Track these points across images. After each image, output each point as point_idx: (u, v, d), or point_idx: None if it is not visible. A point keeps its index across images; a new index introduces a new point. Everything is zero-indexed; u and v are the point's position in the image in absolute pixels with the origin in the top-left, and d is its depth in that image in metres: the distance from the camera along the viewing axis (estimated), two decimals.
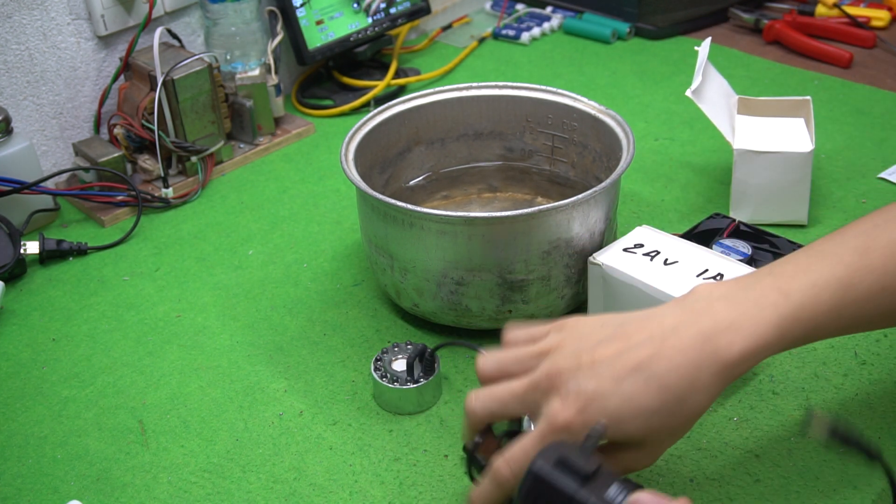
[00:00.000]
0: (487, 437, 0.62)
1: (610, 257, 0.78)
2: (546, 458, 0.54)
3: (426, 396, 0.76)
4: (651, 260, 0.78)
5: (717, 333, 0.57)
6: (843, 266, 0.61)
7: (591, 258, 0.78)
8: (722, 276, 0.76)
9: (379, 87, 1.22)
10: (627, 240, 0.80)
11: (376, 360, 0.78)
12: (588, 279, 0.79)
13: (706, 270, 0.77)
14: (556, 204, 0.76)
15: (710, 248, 0.86)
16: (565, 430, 0.57)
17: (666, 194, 1.01)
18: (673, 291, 0.74)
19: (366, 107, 1.22)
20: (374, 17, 1.25)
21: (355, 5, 1.24)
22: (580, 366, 0.58)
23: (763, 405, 0.75)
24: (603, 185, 0.78)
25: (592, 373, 0.57)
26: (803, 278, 0.60)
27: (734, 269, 0.77)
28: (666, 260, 0.78)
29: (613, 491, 0.53)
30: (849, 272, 0.61)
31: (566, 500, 0.53)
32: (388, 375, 0.76)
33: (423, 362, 0.77)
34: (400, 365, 0.77)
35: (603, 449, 0.59)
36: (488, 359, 0.63)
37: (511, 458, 0.58)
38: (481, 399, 0.61)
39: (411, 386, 0.75)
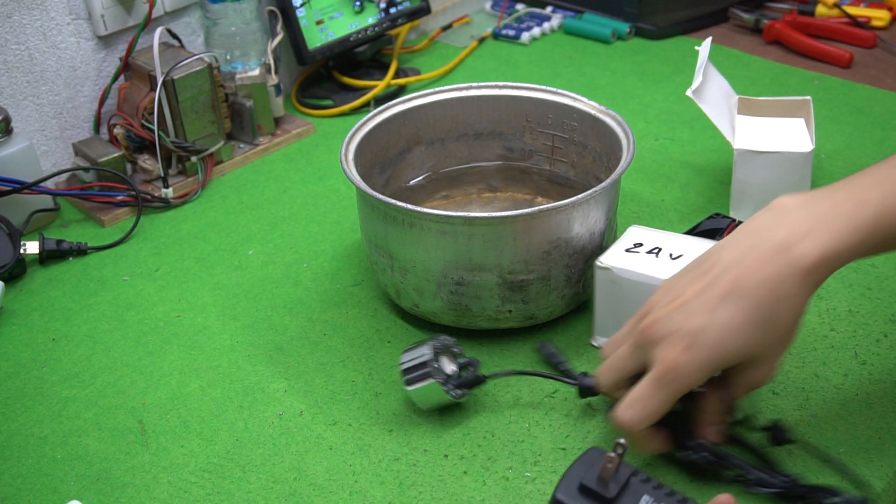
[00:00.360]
0: None
1: (616, 260, 0.78)
2: (568, 485, 0.55)
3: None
4: (657, 256, 0.78)
5: (793, 243, 0.60)
6: None
7: (597, 263, 0.78)
8: None
9: (379, 87, 1.22)
10: (625, 241, 0.80)
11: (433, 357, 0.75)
12: (595, 284, 0.79)
13: None
14: (556, 204, 0.76)
15: None
16: (675, 371, 0.61)
17: (666, 194, 1.01)
18: None
19: (366, 107, 1.22)
20: (381, 6, 1.25)
21: (357, 4, 1.24)
22: (673, 311, 0.62)
23: (763, 405, 0.74)
24: (603, 185, 0.78)
25: (686, 313, 0.61)
26: (879, 189, 0.61)
27: None
28: (671, 254, 0.78)
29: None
30: None
31: None
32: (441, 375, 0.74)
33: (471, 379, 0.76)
34: (449, 367, 0.75)
35: (721, 377, 0.63)
36: (606, 342, 0.69)
37: (630, 403, 0.63)
38: (602, 372, 0.67)
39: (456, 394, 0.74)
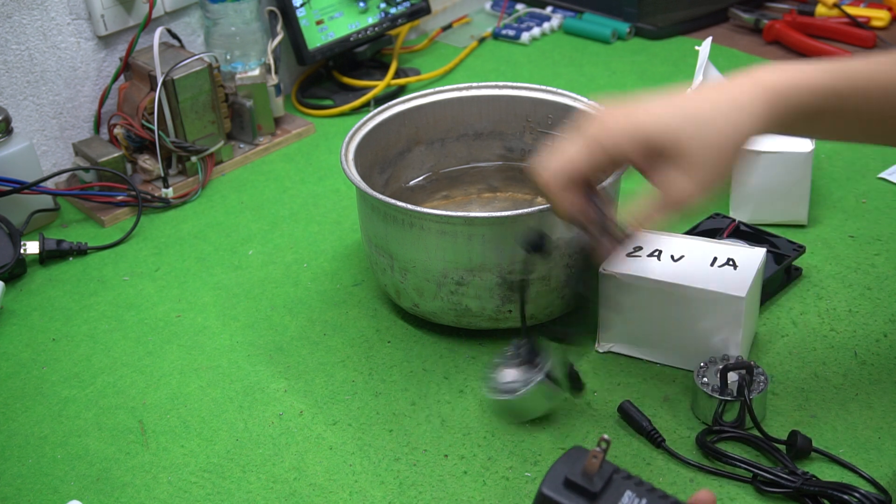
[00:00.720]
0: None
1: (620, 265, 0.78)
2: (553, 480, 0.55)
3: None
4: (659, 259, 0.78)
5: (761, 74, 0.62)
6: (887, 55, 0.64)
7: (601, 270, 0.78)
8: (733, 260, 0.77)
9: (379, 87, 1.22)
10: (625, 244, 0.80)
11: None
12: (599, 291, 0.79)
13: (716, 258, 0.77)
14: None
15: None
16: (602, 126, 0.62)
17: None
18: (697, 284, 0.74)
19: (366, 107, 1.22)
20: (382, 5, 1.25)
21: (362, 4, 1.24)
22: (615, 107, 0.63)
23: (764, 405, 0.74)
24: (603, 185, 0.78)
25: (637, 102, 0.62)
26: (842, 60, 0.64)
27: (741, 252, 0.78)
28: (672, 256, 0.78)
29: (626, 500, 0.53)
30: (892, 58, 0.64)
31: None
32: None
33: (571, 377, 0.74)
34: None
35: (648, 178, 0.63)
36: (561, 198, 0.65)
37: (554, 154, 0.63)
38: (548, 166, 0.64)
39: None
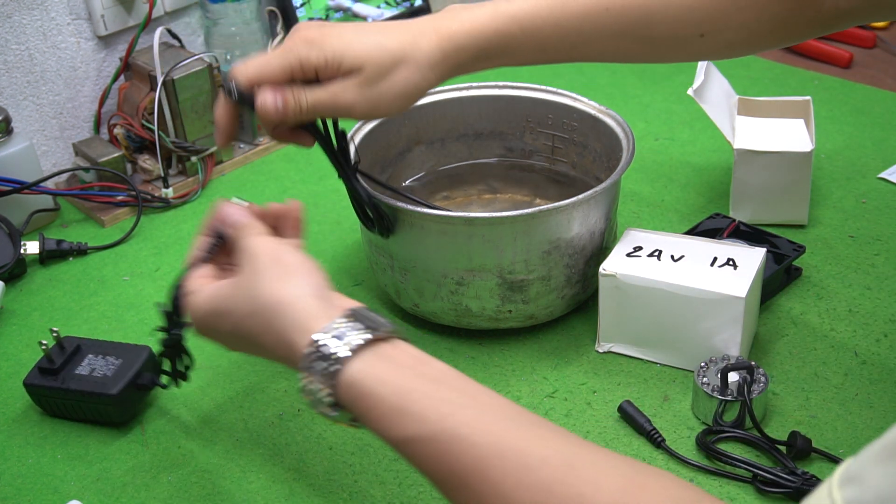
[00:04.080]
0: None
1: (620, 265, 0.78)
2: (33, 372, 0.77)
3: None
4: (659, 259, 0.78)
5: (440, 18, 0.70)
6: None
7: (601, 270, 0.78)
8: (733, 260, 0.77)
9: None
10: (625, 245, 0.80)
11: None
12: (599, 291, 0.79)
13: (716, 259, 0.77)
14: (556, 204, 0.76)
15: None
16: (300, 38, 0.67)
17: (666, 194, 1.01)
18: (696, 284, 0.74)
19: None
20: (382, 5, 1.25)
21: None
22: (324, 24, 0.69)
23: (764, 405, 0.74)
24: (603, 185, 0.78)
25: (333, 24, 0.69)
26: (527, 4, 0.71)
27: (741, 252, 0.78)
28: (672, 256, 0.78)
29: (86, 362, 0.78)
30: None
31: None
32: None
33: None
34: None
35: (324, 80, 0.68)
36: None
37: (247, 65, 0.68)
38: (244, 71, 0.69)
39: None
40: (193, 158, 1.06)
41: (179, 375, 0.73)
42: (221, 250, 0.65)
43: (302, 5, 1.19)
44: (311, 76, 0.68)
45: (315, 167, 1.11)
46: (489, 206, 0.95)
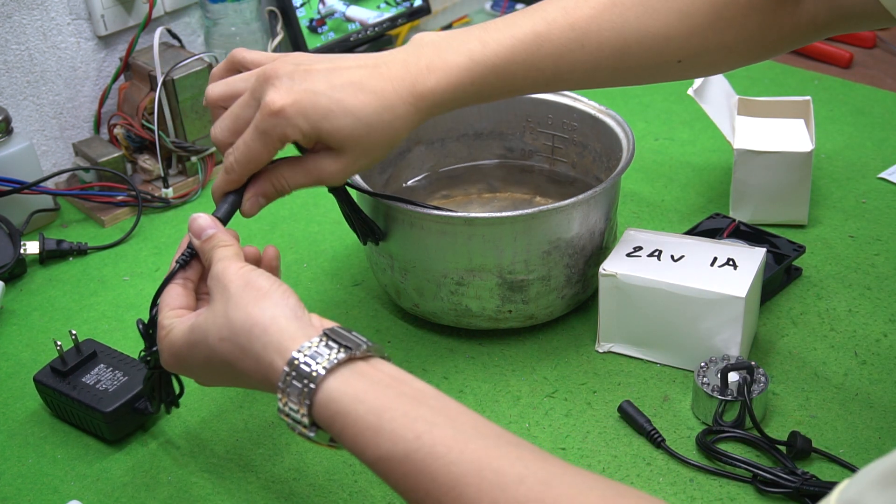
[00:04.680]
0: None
1: (620, 266, 0.78)
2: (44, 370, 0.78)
3: None
4: (659, 259, 0.78)
5: (417, 71, 0.66)
6: (545, 22, 0.68)
7: (601, 270, 0.78)
8: (733, 260, 0.77)
9: None
10: (625, 245, 0.80)
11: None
12: (599, 291, 0.79)
13: (716, 259, 0.77)
14: (556, 204, 0.76)
15: None
16: (279, 115, 0.64)
17: (666, 194, 1.01)
18: (696, 285, 0.74)
19: None
20: (382, 5, 1.25)
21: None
22: (297, 71, 0.65)
23: (764, 405, 0.74)
24: (603, 185, 0.78)
25: (308, 76, 0.65)
26: (506, 31, 0.68)
27: (741, 253, 0.78)
28: (672, 256, 0.78)
29: (97, 370, 0.78)
30: (548, 27, 0.68)
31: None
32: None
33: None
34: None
35: (305, 155, 0.68)
36: (217, 84, 0.69)
37: (236, 148, 0.66)
38: (218, 122, 0.68)
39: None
40: (193, 158, 1.06)
41: (169, 401, 0.71)
42: (195, 263, 0.65)
43: (302, 5, 1.19)
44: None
45: None
46: (489, 205, 0.95)
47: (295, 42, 1.19)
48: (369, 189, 0.80)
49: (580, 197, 0.77)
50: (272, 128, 0.64)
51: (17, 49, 1.02)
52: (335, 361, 0.53)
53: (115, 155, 1.03)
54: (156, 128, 1.02)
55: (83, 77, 1.09)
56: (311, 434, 0.54)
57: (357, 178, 0.81)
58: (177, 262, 0.65)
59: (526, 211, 0.76)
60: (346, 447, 0.53)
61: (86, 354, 0.78)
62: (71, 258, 0.98)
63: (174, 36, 1.10)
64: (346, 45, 1.23)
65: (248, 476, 0.72)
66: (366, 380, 0.53)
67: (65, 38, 1.06)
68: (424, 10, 1.31)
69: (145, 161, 1.05)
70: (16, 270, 0.94)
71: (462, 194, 0.96)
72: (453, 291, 0.80)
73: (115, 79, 1.08)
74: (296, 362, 0.54)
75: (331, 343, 0.54)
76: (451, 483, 0.48)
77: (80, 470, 0.74)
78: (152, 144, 1.04)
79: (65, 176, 1.07)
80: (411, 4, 1.29)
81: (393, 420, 0.51)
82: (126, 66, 1.07)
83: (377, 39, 1.26)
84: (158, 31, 1.04)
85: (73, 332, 0.78)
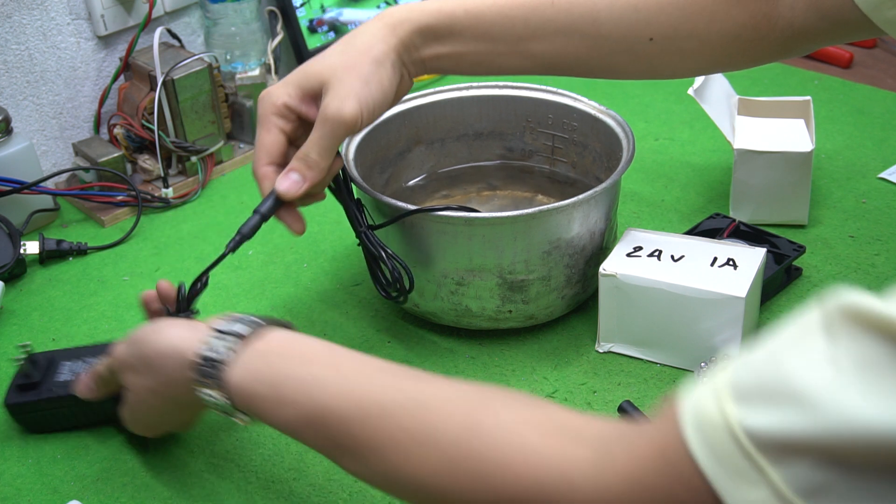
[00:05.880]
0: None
1: (620, 265, 0.78)
2: (10, 392, 0.76)
3: None
4: (659, 259, 0.78)
5: (386, 13, 0.73)
6: None
7: (601, 270, 0.78)
8: (733, 260, 0.77)
9: None
10: (625, 245, 0.80)
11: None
12: (599, 291, 0.79)
13: (716, 259, 0.77)
14: (556, 204, 0.76)
15: None
16: (264, 97, 0.72)
17: (666, 194, 1.01)
18: (696, 284, 0.74)
19: None
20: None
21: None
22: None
23: None
24: (603, 185, 0.78)
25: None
26: None
27: (741, 253, 0.78)
28: (672, 256, 0.78)
29: (65, 369, 0.77)
30: None
31: None
32: None
33: None
34: None
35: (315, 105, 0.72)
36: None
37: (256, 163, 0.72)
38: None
39: None
40: (193, 158, 1.06)
41: None
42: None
43: (302, 5, 1.19)
44: (295, 121, 0.72)
45: None
46: (489, 204, 0.95)
47: (295, 42, 1.19)
48: (372, 191, 0.80)
49: (580, 197, 0.77)
50: (263, 109, 0.71)
51: (17, 49, 1.02)
52: (230, 351, 0.59)
53: (115, 155, 1.03)
54: (156, 128, 1.02)
55: (83, 77, 1.09)
56: (246, 418, 0.60)
57: (357, 178, 0.81)
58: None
59: (526, 211, 0.76)
60: (266, 423, 0.58)
61: (44, 363, 0.77)
62: (71, 258, 0.98)
63: (174, 36, 1.10)
64: None
65: (248, 476, 0.72)
66: (260, 358, 0.58)
67: (65, 38, 1.06)
68: None
69: (145, 161, 1.05)
70: (16, 270, 0.94)
71: (461, 193, 0.96)
72: (453, 291, 0.80)
73: (115, 79, 1.08)
74: (197, 365, 0.60)
75: (222, 336, 0.60)
76: (348, 431, 0.53)
77: (80, 470, 0.74)
78: (152, 144, 1.04)
79: (65, 176, 1.07)
80: None
81: (290, 389, 0.56)
82: (126, 66, 1.08)
83: None
84: (158, 31, 1.04)
85: (27, 344, 0.78)
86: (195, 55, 1.04)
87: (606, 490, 0.43)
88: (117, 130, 1.05)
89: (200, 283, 0.74)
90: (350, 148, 0.86)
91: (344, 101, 0.68)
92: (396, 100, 0.75)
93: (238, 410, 0.59)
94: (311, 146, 0.70)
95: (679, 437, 0.40)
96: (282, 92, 0.70)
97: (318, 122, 0.70)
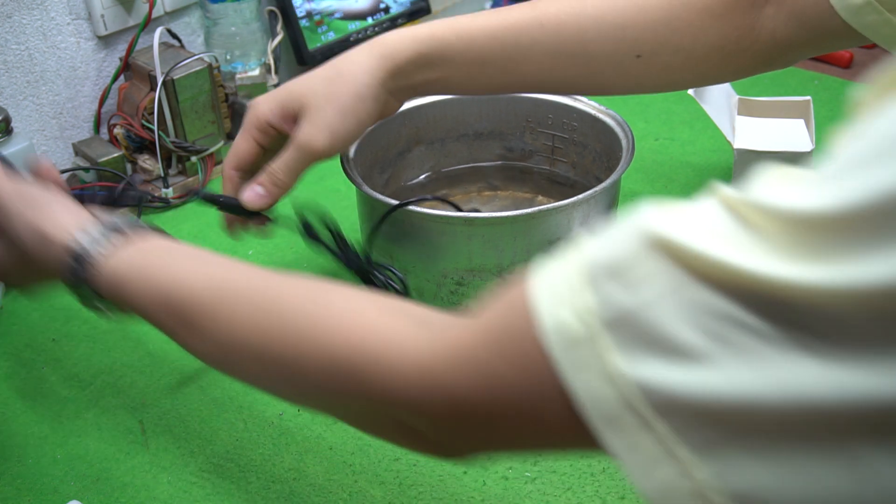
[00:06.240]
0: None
1: None
2: None
3: None
4: None
5: (374, 41, 0.74)
6: (506, 1, 0.75)
7: None
8: None
9: None
10: None
11: None
12: None
13: None
14: (556, 204, 0.76)
15: None
16: (250, 108, 0.75)
17: (666, 194, 1.01)
18: None
19: None
20: (381, 5, 1.25)
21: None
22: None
23: None
24: (603, 185, 0.78)
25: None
26: (464, 19, 0.75)
27: None
28: None
29: None
30: (508, 5, 0.75)
31: None
32: None
33: None
34: None
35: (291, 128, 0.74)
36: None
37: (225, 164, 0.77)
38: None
39: None
40: (193, 158, 1.06)
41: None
42: None
43: (302, 5, 1.19)
44: (274, 135, 0.75)
45: (315, 167, 1.11)
46: (489, 204, 0.95)
47: (295, 42, 1.19)
48: (371, 191, 0.80)
49: (580, 197, 0.77)
50: (247, 119, 0.74)
51: (17, 49, 1.02)
52: (107, 240, 0.61)
53: (115, 155, 1.03)
54: (156, 128, 1.02)
55: (83, 77, 1.09)
56: (101, 307, 0.63)
57: (357, 178, 0.81)
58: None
59: (526, 211, 0.76)
60: (129, 308, 0.60)
61: None
62: None
63: (174, 36, 1.10)
64: (347, 45, 1.23)
65: (248, 476, 0.72)
66: (138, 252, 0.61)
67: (65, 37, 1.06)
68: (424, 10, 1.31)
69: (145, 161, 1.05)
70: None
71: (462, 193, 0.96)
72: (453, 291, 0.80)
73: (115, 79, 1.08)
74: (74, 244, 0.62)
75: (103, 227, 0.62)
76: (197, 302, 0.55)
77: (81, 470, 0.74)
78: (152, 144, 1.04)
79: (65, 176, 1.07)
80: (411, 4, 1.29)
81: (152, 273, 0.59)
82: (126, 66, 1.07)
83: None
84: (158, 30, 1.04)
85: None
86: (195, 55, 1.04)
87: (433, 356, 0.43)
88: (117, 130, 1.05)
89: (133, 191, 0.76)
90: (350, 148, 0.86)
91: (317, 132, 0.72)
92: (380, 120, 0.78)
93: (100, 298, 0.62)
94: (280, 165, 0.74)
95: (528, 319, 0.39)
96: (265, 108, 0.74)
97: (291, 145, 0.73)
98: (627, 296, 0.35)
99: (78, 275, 0.61)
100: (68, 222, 0.63)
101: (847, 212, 0.31)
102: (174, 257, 0.60)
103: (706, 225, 0.35)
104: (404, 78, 0.74)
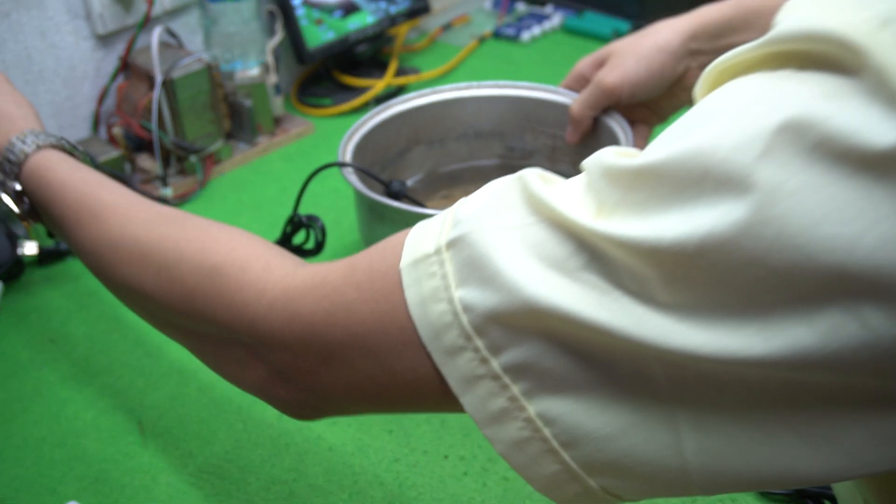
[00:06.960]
0: None
1: None
2: None
3: None
4: None
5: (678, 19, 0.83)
6: None
7: None
8: None
9: (379, 86, 1.22)
10: None
11: None
12: None
13: None
14: None
15: None
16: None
17: None
18: None
19: (365, 106, 1.21)
20: (382, 5, 1.25)
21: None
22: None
23: None
24: None
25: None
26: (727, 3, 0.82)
27: None
28: None
29: None
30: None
31: None
32: None
33: None
34: None
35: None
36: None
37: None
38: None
39: None
40: (192, 158, 1.06)
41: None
42: None
43: (302, 5, 1.19)
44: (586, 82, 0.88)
45: (314, 167, 1.10)
46: None
47: (294, 41, 1.19)
48: (368, 191, 0.80)
49: None
50: (573, 70, 0.91)
51: (16, 48, 1.02)
52: (38, 145, 0.66)
53: (114, 155, 1.03)
54: (154, 127, 1.02)
55: (82, 76, 1.08)
56: (17, 210, 0.67)
57: (354, 179, 0.81)
58: None
59: None
60: (42, 197, 0.64)
61: None
62: (69, 258, 0.98)
63: (173, 35, 1.09)
64: (346, 44, 1.23)
65: (247, 477, 0.72)
66: (63, 161, 0.65)
67: (63, 37, 1.06)
68: (424, 9, 1.30)
69: (144, 161, 1.05)
70: (14, 271, 0.94)
71: (462, 193, 0.96)
72: None
73: (114, 78, 1.08)
74: (11, 139, 0.67)
75: (41, 135, 0.67)
76: (97, 202, 0.60)
77: (79, 471, 0.74)
78: (151, 144, 1.04)
79: None
80: (411, 3, 1.29)
81: (74, 181, 0.63)
82: (125, 66, 1.07)
83: (377, 39, 1.26)
84: (157, 30, 1.04)
85: None
86: (194, 54, 1.04)
87: (298, 283, 0.45)
88: (116, 130, 1.05)
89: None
90: (348, 148, 0.86)
91: (610, 71, 0.82)
92: (682, 88, 0.84)
93: (19, 203, 0.66)
94: (577, 99, 0.87)
95: (395, 256, 0.41)
96: (583, 63, 0.88)
97: (590, 84, 0.85)
98: (475, 223, 0.38)
99: (7, 157, 0.66)
100: (16, 118, 0.69)
101: (644, 168, 0.34)
102: (94, 172, 0.65)
103: (567, 185, 0.39)
104: (708, 41, 0.79)
